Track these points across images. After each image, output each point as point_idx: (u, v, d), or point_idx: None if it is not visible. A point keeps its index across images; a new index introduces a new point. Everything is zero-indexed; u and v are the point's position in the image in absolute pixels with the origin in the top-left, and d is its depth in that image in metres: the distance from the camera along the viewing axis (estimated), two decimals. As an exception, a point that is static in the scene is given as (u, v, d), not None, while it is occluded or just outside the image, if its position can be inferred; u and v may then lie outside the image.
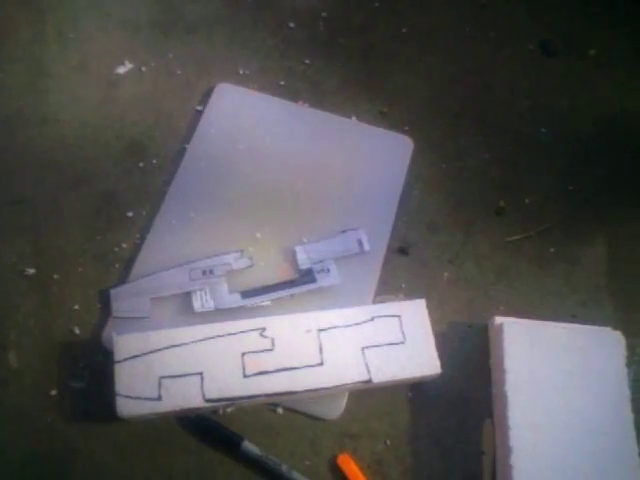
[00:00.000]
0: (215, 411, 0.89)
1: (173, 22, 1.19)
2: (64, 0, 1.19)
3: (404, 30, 1.23)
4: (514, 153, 1.13)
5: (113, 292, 0.94)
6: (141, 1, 1.21)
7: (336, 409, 0.91)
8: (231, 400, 0.86)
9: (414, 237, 1.05)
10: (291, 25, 1.21)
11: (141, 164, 1.06)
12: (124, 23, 1.18)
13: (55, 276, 0.97)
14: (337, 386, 0.88)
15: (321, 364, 0.88)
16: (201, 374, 0.86)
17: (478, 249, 1.05)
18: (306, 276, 0.97)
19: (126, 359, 0.86)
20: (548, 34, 1.25)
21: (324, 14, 1.23)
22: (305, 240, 1.00)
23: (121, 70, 1.13)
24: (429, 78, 1.19)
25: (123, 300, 0.93)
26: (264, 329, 0.90)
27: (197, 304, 0.93)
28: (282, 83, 1.15)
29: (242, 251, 0.98)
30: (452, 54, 1.22)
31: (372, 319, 0.92)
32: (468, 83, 1.19)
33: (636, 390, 0.93)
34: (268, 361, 0.88)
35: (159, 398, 0.84)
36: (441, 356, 0.91)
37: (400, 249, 1.03)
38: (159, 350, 0.87)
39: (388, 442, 0.91)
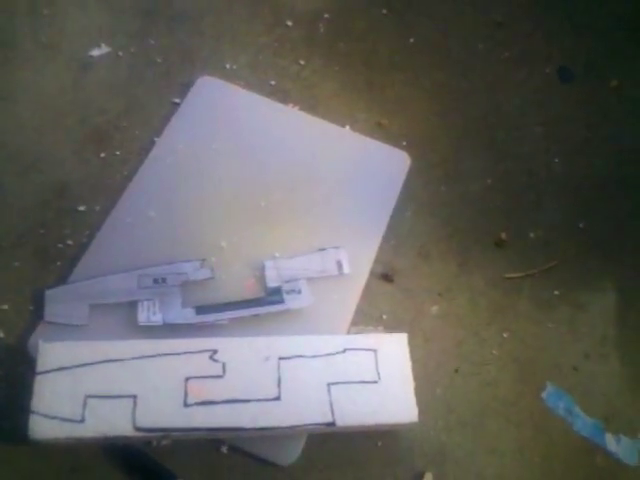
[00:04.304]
0: (148, 442, 0.76)
1: (161, 8, 1.09)
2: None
3: (412, 40, 1.13)
4: (521, 182, 1.02)
5: (48, 293, 0.82)
6: (129, -17, 1.11)
7: (291, 453, 0.78)
8: (166, 431, 0.73)
9: (402, 263, 0.93)
10: (289, 23, 1.11)
11: (102, 154, 0.95)
12: (107, 4, 1.08)
13: (-14, 269, 0.85)
14: (294, 426, 0.75)
15: (278, 399, 0.76)
16: (134, 397, 0.73)
17: (473, 283, 0.93)
18: (273, 295, 0.85)
19: (50, 371, 0.74)
20: (567, 60, 1.15)
21: (326, 15, 1.13)
22: (277, 255, 0.88)
23: (96, 53, 1.03)
24: (435, 93, 1.09)
25: (59, 303, 0.81)
26: (215, 351, 0.77)
27: (142, 316, 0.81)
28: (272, 83, 1.05)
29: (203, 260, 0.86)
30: (462, 71, 1.12)
31: (344, 351, 0.80)
32: (477, 103, 1.09)
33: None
34: (215, 389, 0.75)
35: (81, 420, 0.72)
36: (420, 402, 0.79)
37: (384, 275, 0.91)
38: (90, 364, 0.74)
39: (349, 497, 0.78)
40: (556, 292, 0.94)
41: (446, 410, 0.84)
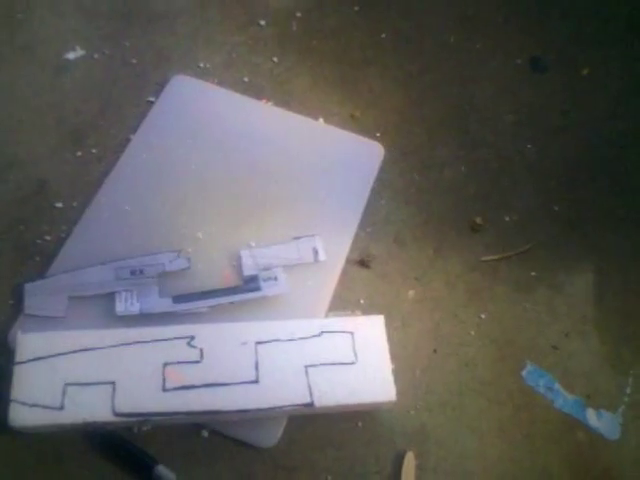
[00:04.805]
0: (129, 428, 0.77)
1: (136, 11, 1.11)
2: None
3: (383, 35, 1.15)
4: (495, 168, 1.04)
5: (28, 287, 0.82)
6: (105, -12, 1.14)
7: (271, 436, 0.79)
8: (145, 416, 0.73)
9: (378, 250, 0.94)
10: (262, 23, 1.13)
11: (79, 153, 0.96)
12: (82, 8, 1.10)
13: (-34, 265, 0.86)
14: (273, 408, 0.75)
15: (256, 382, 0.76)
16: (113, 384, 0.74)
17: (449, 267, 0.94)
18: (250, 283, 0.86)
19: (29, 360, 0.74)
20: (539, 50, 1.17)
21: (298, 14, 1.15)
22: (253, 244, 0.89)
23: (71, 56, 1.04)
24: (407, 85, 1.10)
25: (38, 296, 0.82)
26: (193, 338, 0.78)
27: (120, 306, 0.81)
28: (246, 79, 1.06)
29: (180, 251, 0.87)
30: (434, 63, 1.13)
31: (320, 334, 0.81)
32: (449, 93, 1.10)
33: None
34: (193, 374, 0.76)
35: (61, 407, 0.72)
36: (399, 383, 0.79)
37: (361, 261, 0.92)
38: (68, 353, 0.75)
39: (329, 479, 0.78)
40: (533, 273, 0.95)
41: (426, 391, 0.85)
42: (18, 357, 0.75)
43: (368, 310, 0.88)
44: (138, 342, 0.77)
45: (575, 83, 1.14)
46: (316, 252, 0.89)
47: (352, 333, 0.81)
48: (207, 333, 0.78)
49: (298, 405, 0.76)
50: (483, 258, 0.95)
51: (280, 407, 0.75)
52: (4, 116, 0.98)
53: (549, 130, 1.08)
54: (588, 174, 1.05)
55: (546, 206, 1.01)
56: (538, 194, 1.02)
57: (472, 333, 0.89)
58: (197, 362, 0.76)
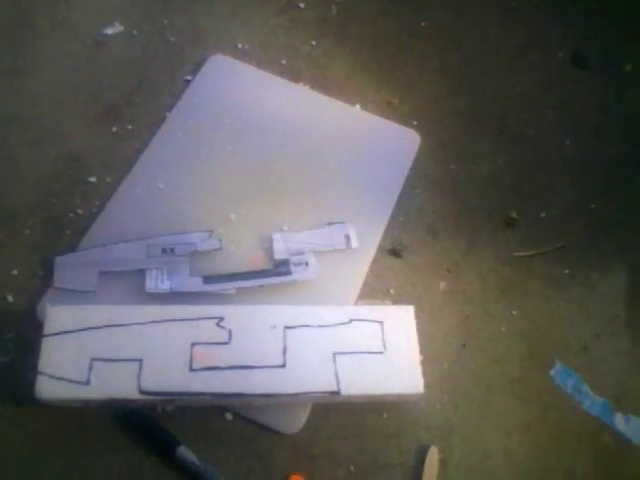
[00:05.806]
0: (153, 407, 0.77)
1: (175, -11, 1.10)
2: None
3: (423, 24, 1.13)
4: (533, 163, 1.02)
5: (58, 260, 0.83)
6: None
7: (295, 422, 0.78)
8: (170, 395, 0.73)
9: (410, 239, 0.92)
10: (301, 5, 1.11)
11: (114, 128, 0.96)
12: (121, -15, 1.10)
13: (-2, 234, 0.86)
14: (299, 394, 0.75)
15: (283, 366, 0.76)
16: (140, 361, 0.74)
17: (481, 261, 0.92)
18: (281, 267, 0.85)
19: (57, 333, 0.74)
20: (581, 45, 1.14)
21: (339, -1, 1.13)
22: (285, 228, 0.88)
23: (110, 31, 1.04)
24: (446, 75, 1.08)
25: (68, 270, 0.82)
26: (222, 319, 0.77)
27: (150, 284, 0.81)
28: (283, 62, 1.05)
29: (211, 231, 0.86)
30: (474, 54, 1.11)
31: (350, 322, 0.80)
32: (489, 85, 1.08)
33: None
34: (221, 356, 0.75)
35: (87, 382, 0.72)
36: (426, 376, 0.78)
37: (392, 250, 0.91)
38: (96, 328, 0.75)
39: (352, 469, 0.78)
40: (567, 271, 0.93)
41: (453, 385, 0.83)
42: (46, 330, 0.75)
43: (398, 300, 0.87)
44: (167, 320, 0.76)
45: (617, 79, 1.11)
46: (348, 239, 0.88)
47: (381, 322, 0.80)
48: (236, 315, 0.78)
49: (324, 392, 0.75)
50: (516, 253, 0.94)
51: (306, 393, 0.75)
52: (42, 90, 0.98)
53: (589, 126, 1.06)
54: (627, 173, 1.02)
55: (583, 203, 0.99)
56: (575, 191, 1.00)
57: (502, 329, 0.88)
58: (225, 343, 0.76)
